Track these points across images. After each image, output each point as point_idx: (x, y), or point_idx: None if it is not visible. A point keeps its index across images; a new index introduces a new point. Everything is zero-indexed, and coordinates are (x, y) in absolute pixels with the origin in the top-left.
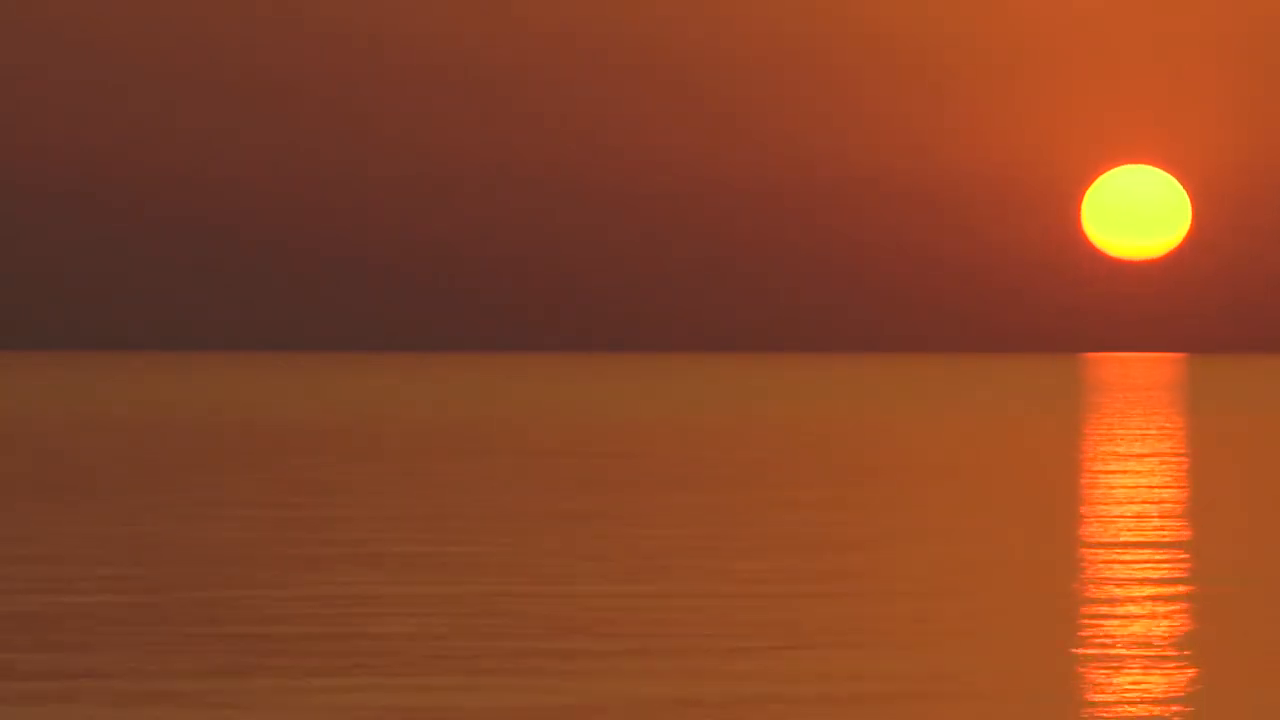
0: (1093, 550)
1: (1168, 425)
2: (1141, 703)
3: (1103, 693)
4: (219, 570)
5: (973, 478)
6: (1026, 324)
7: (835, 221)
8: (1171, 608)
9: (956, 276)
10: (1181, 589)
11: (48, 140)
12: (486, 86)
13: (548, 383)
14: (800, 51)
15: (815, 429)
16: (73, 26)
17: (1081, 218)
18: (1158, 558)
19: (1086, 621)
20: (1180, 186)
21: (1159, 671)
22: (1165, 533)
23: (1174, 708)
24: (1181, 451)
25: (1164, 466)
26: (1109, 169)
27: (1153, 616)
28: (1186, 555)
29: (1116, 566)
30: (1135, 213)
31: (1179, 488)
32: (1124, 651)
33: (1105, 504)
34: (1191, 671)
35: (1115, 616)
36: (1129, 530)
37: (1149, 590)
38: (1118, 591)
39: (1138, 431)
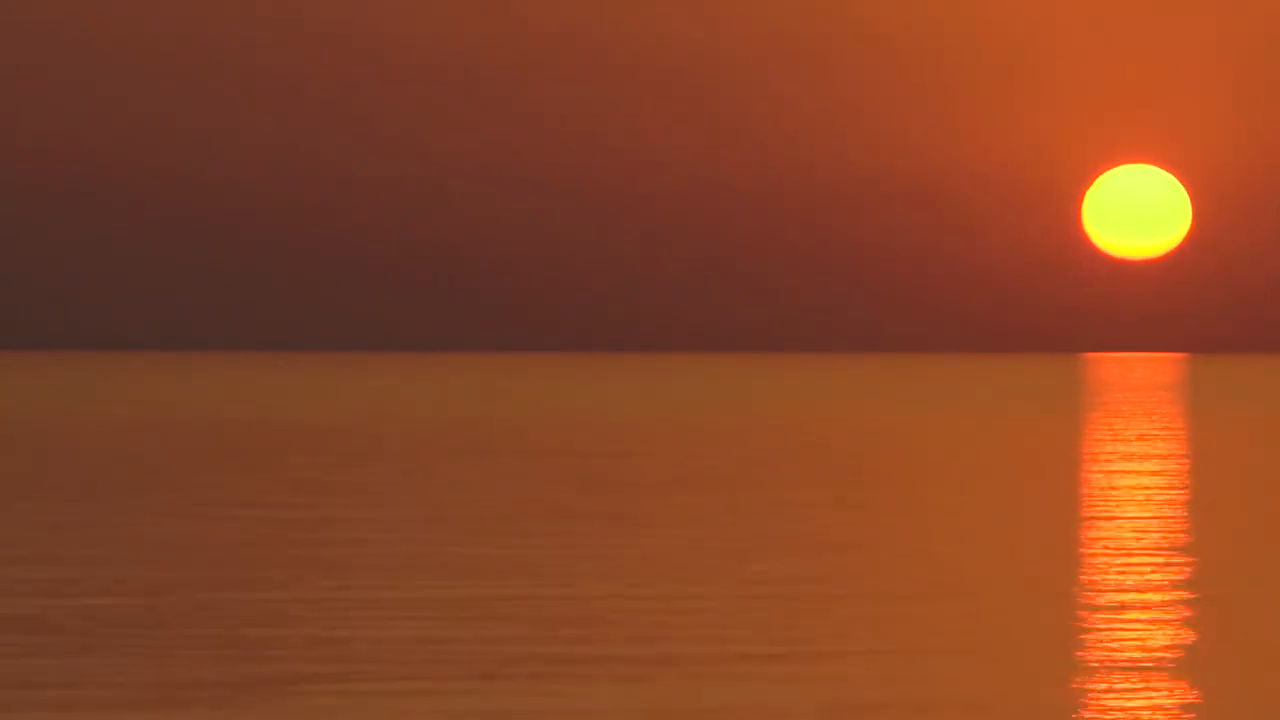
0: (1093, 550)
1: (1168, 425)
2: (1144, 709)
3: (1103, 698)
4: (219, 571)
5: (973, 478)
6: (1026, 324)
7: (835, 221)
8: (1172, 607)
9: (956, 276)
10: (1182, 590)
11: (48, 140)
12: (486, 86)
13: (548, 383)
14: (800, 51)
15: (815, 429)
16: (73, 26)
17: (1082, 218)
18: (1158, 559)
19: (1086, 623)
20: (1180, 186)
21: (1159, 677)
22: (1166, 533)
23: (1176, 713)
24: (1182, 452)
25: (1164, 466)
26: (1109, 169)
27: (1154, 623)
28: (1187, 556)
29: (1117, 567)
30: (1135, 213)
31: (1179, 488)
32: (1124, 654)
33: (1105, 504)
34: (1192, 673)
35: (1116, 619)
36: (1129, 530)
37: (1149, 595)
38: (1118, 596)
39: (1138, 431)
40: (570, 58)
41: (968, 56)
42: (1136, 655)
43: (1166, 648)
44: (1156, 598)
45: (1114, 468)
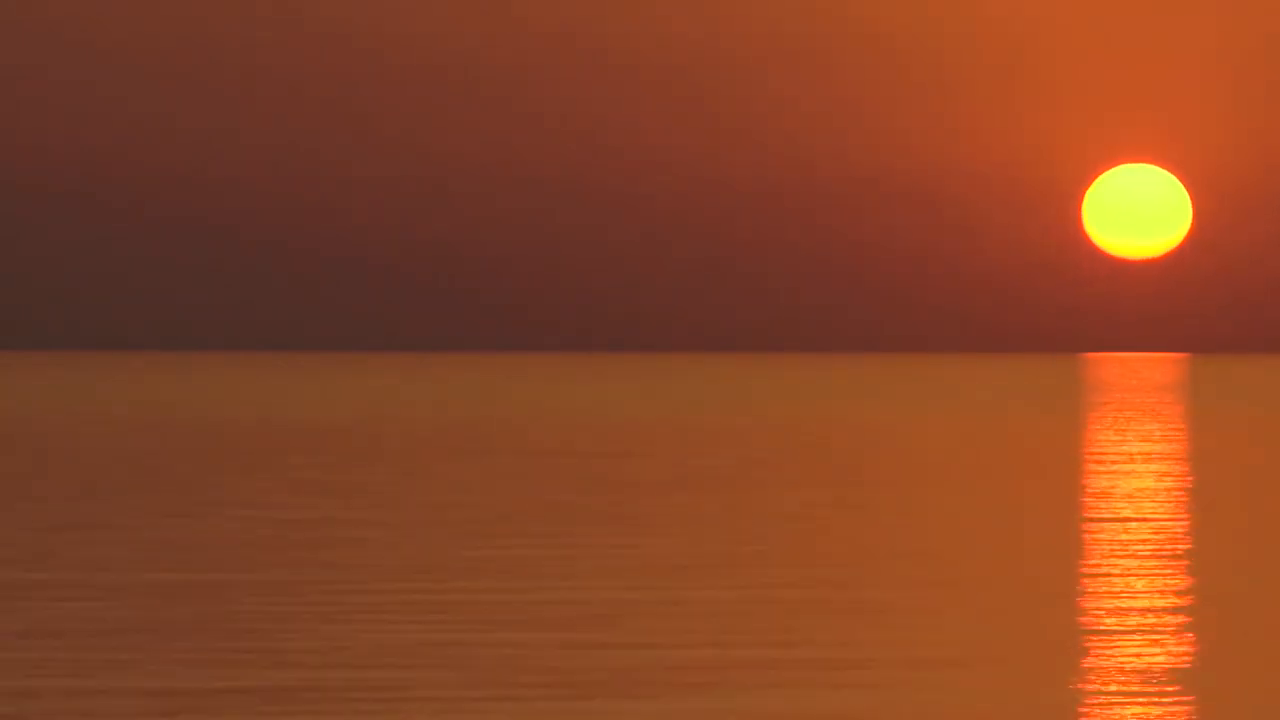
0: (1092, 550)
1: (1169, 425)
2: (1145, 713)
3: (1103, 700)
4: (219, 571)
5: (973, 478)
6: (1026, 324)
7: (835, 221)
8: (1172, 609)
9: (956, 276)
10: (1182, 591)
11: (48, 140)
12: (486, 86)
13: (548, 383)
14: (800, 51)
15: (815, 429)
16: (73, 26)
17: (1082, 217)
18: (1158, 559)
19: (1086, 625)
20: (1181, 186)
21: (1160, 679)
22: (1166, 533)
23: (1177, 716)
24: (1182, 452)
25: (1165, 467)
26: (1109, 169)
27: (1155, 624)
28: (1187, 556)
29: (1117, 568)
30: (1135, 212)
31: (1180, 488)
32: (1125, 655)
33: (1105, 504)
34: (1192, 675)
35: (1116, 619)
36: (1129, 530)
37: (1150, 597)
38: (1118, 598)
39: (1138, 432)
40: (570, 58)
41: (968, 56)
42: (1137, 656)
43: (1167, 649)
44: (1158, 600)
45: (1114, 468)
